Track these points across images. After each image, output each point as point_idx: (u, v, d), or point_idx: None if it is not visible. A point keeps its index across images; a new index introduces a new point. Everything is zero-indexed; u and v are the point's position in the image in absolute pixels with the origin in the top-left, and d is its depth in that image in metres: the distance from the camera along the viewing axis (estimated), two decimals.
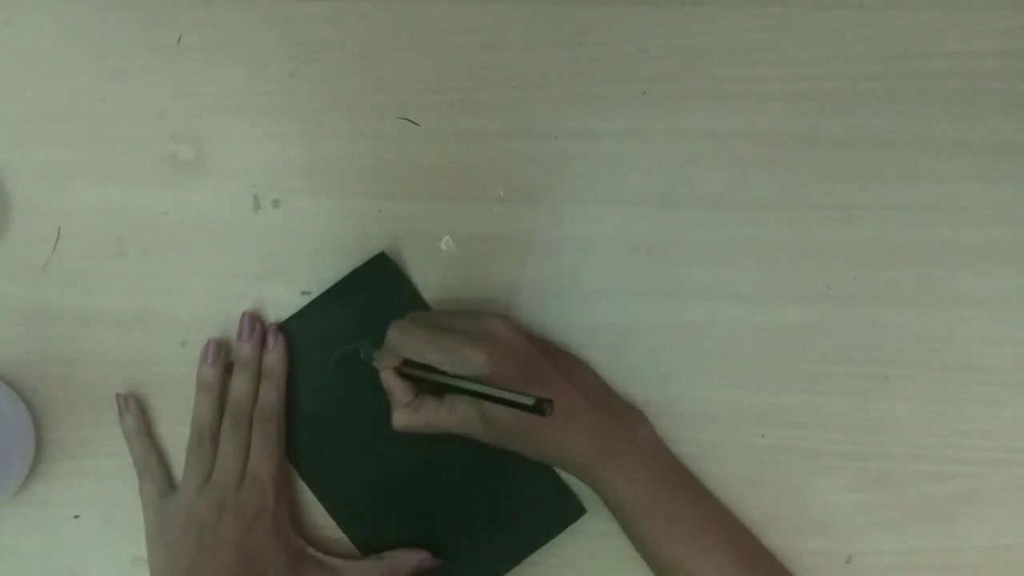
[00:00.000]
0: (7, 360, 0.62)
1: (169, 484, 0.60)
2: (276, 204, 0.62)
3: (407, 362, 0.55)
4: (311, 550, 0.58)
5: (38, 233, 0.62)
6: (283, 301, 0.61)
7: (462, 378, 0.52)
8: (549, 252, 0.61)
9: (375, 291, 0.61)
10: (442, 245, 0.62)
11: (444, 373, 0.53)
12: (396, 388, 0.56)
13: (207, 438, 0.58)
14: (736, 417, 0.60)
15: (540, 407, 0.47)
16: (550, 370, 0.56)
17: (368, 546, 0.60)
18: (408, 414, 0.55)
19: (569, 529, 0.59)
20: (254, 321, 0.60)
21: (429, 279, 0.61)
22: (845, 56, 0.61)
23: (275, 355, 0.60)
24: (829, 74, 0.61)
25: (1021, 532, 0.59)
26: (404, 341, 0.54)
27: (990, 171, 0.61)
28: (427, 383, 0.55)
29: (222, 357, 0.60)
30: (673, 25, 0.62)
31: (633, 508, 0.56)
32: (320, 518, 0.61)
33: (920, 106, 0.61)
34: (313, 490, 0.60)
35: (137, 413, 0.60)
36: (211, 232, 0.62)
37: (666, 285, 0.61)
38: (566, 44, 0.62)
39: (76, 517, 0.61)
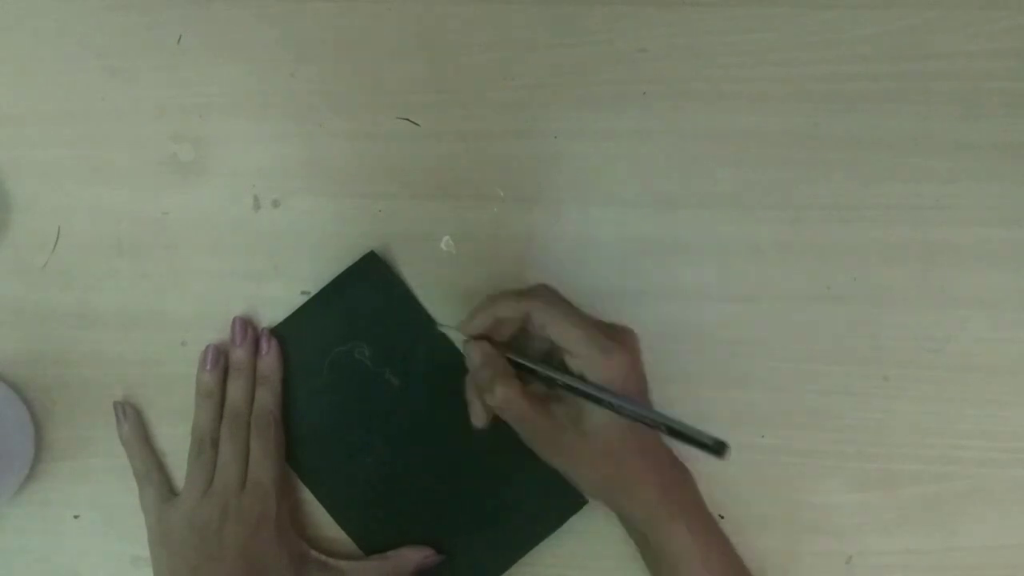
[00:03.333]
0: (7, 360, 0.62)
1: (170, 490, 0.60)
2: (276, 204, 0.62)
3: (511, 348, 0.53)
4: (314, 553, 0.58)
5: (38, 233, 0.62)
6: (283, 301, 0.61)
7: (601, 388, 0.48)
8: (549, 252, 0.61)
9: (366, 291, 0.60)
10: (442, 245, 0.62)
11: (555, 375, 0.50)
12: (497, 362, 0.52)
13: (208, 444, 0.58)
14: (736, 417, 0.60)
15: (719, 448, 0.44)
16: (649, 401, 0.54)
17: (370, 545, 0.60)
18: (517, 394, 0.51)
19: (569, 528, 0.59)
20: (246, 326, 0.60)
21: (429, 279, 0.61)
22: (845, 56, 0.61)
23: (269, 359, 0.60)
24: (829, 74, 0.61)
25: (1021, 532, 0.59)
26: (543, 305, 0.51)
27: (990, 171, 0.61)
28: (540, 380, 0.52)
29: (221, 362, 0.60)
30: (673, 25, 0.62)
31: (691, 559, 0.53)
32: (321, 519, 0.61)
33: (920, 106, 0.61)
34: (314, 492, 0.60)
35: (135, 421, 0.60)
36: (211, 232, 0.62)
37: (666, 285, 0.61)
38: (566, 44, 0.62)
39: (76, 517, 0.61)
